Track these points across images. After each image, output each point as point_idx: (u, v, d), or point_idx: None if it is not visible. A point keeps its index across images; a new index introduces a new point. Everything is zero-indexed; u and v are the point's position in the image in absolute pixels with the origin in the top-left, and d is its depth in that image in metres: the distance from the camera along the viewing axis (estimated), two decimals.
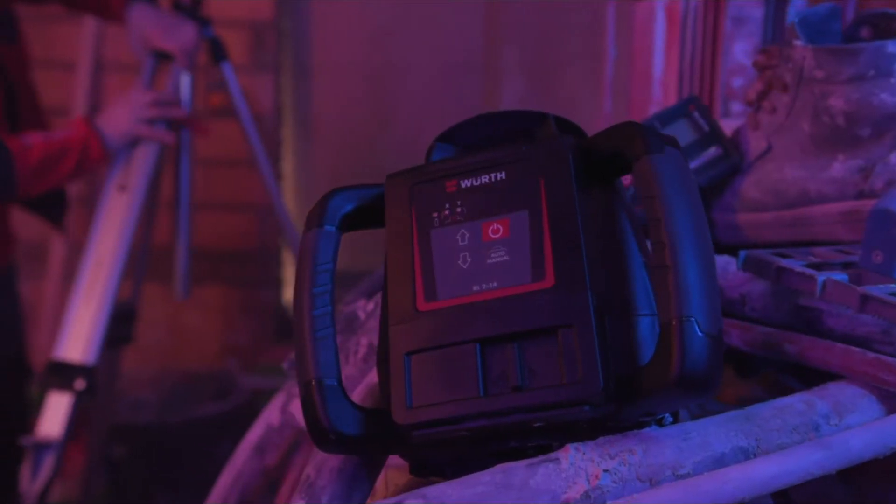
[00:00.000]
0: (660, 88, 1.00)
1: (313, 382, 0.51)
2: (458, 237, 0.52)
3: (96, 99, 2.62)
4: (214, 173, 2.64)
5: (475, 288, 0.50)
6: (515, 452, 0.51)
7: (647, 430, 0.50)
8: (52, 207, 1.69)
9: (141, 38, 1.63)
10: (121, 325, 1.85)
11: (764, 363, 0.81)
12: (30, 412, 1.83)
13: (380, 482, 0.62)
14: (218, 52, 1.72)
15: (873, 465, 0.52)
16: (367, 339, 0.75)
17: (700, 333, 0.45)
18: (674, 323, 0.45)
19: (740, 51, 0.93)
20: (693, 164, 0.72)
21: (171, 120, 1.57)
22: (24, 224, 2.42)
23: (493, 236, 0.51)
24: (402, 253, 0.53)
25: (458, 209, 0.52)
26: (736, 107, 0.95)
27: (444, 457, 0.53)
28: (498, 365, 0.48)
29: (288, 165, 2.79)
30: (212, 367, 2.62)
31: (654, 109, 1.01)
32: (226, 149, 2.56)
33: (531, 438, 0.50)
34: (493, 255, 0.51)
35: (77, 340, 1.49)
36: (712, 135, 0.71)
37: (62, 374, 1.45)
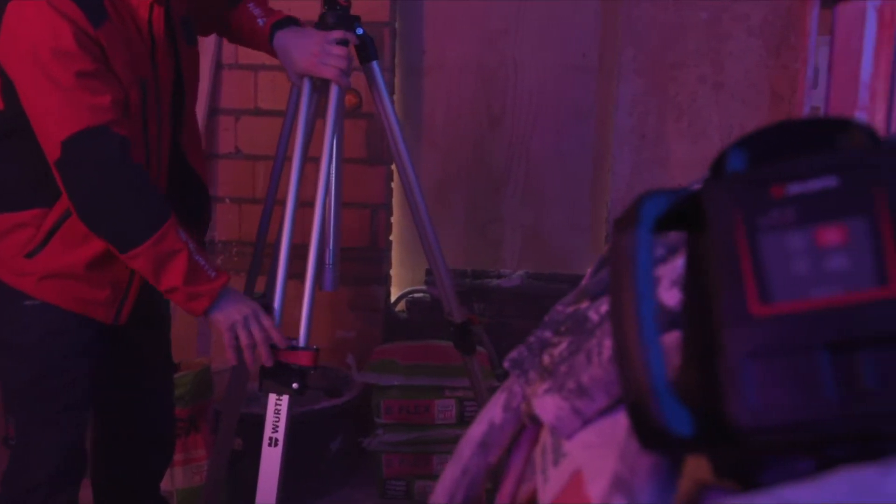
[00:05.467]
0: (867, 93, 0.98)
1: (645, 384, 0.52)
2: (790, 242, 0.52)
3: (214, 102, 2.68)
4: None
5: (815, 293, 0.50)
6: (840, 458, 0.51)
7: None
8: (198, 224, 1.70)
9: (292, 66, 1.65)
10: None
11: None
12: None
13: None
14: (367, 51, 1.75)
15: None
16: (610, 341, 0.75)
17: None
18: None
19: None
20: None
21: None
22: None
23: (830, 242, 0.51)
24: (728, 256, 0.53)
25: (788, 214, 0.52)
26: None
27: (764, 461, 0.54)
28: (848, 370, 0.49)
29: (396, 164, 2.82)
30: (322, 362, 2.66)
31: (860, 114, 1.00)
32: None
33: (872, 444, 0.50)
34: (832, 260, 0.51)
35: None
36: None
37: (281, 376, 1.59)
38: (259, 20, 1.67)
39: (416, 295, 2.82)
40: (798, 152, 0.56)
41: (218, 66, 2.67)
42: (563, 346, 0.81)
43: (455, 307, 1.91)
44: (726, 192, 0.55)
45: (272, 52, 1.67)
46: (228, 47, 2.67)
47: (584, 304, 0.85)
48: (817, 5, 1.05)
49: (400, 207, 2.83)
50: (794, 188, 0.53)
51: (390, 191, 2.77)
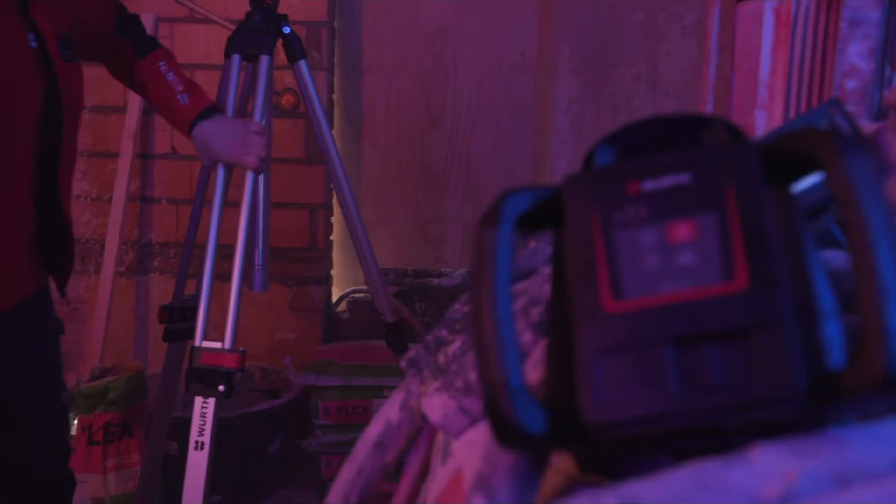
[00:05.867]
0: (766, 91, 1.00)
1: (500, 382, 0.52)
2: (643, 238, 0.52)
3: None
4: None
5: (664, 288, 0.51)
6: (696, 451, 0.51)
7: (835, 430, 0.50)
8: (61, 274, 1.54)
9: (210, 155, 1.62)
10: (185, 321, 1.87)
11: None
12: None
13: None
14: (294, 50, 1.74)
15: None
16: None
17: None
18: (878, 324, 0.46)
19: (855, 53, 0.92)
20: None
21: None
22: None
23: (680, 237, 0.52)
24: (583, 254, 0.53)
25: (642, 211, 0.53)
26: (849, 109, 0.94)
27: (614, 455, 0.54)
28: (692, 365, 0.49)
29: None
30: (261, 363, 2.64)
31: (759, 112, 1.01)
32: (276, 147, 2.57)
33: (721, 438, 0.50)
34: (681, 256, 0.51)
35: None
36: (854, 137, 0.71)
37: (207, 379, 1.58)
38: (179, 97, 1.60)
39: (357, 295, 2.81)
40: (664, 148, 0.57)
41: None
42: (457, 344, 0.81)
43: (387, 307, 1.90)
44: (585, 189, 0.55)
45: (188, 137, 1.62)
46: (163, 44, 2.63)
47: None
48: (718, 5, 1.07)
49: (341, 207, 2.81)
50: (649, 185, 0.53)
51: (330, 190, 2.76)
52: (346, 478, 0.84)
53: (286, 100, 2.64)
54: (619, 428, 0.49)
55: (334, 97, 2.77)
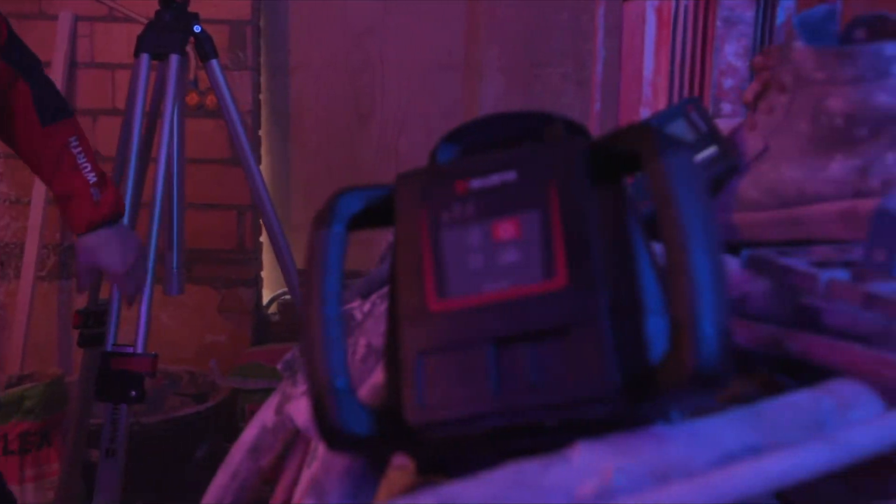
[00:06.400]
0: (650, 89, 1.00)
1: (325, 384, 0.51)
2: (469, 237, 0.52)
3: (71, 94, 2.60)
4: (189, 172, 2.62)
5: (487, 288, 0.50)
6: (525, 450, 0.51)
7: (656, 427, 0.51)
8: None
9: (89, 261, 1.46)
10: (100, 325, 1.83)
11: (755, 361, 0.82)
12: None
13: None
14: (205, 49, 1.71)
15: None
16: (364, 340, 0.75)
17: (713, 330, 0.46)
18: (688, 321, 0.46)
19: (731, 52, 0.93)
20: None
21: None
22: None
23: (503, 236, 0.51)
24: (411, 253, 0.53)
25: (469, 209, 0.53)
26: (727, 107, 0.96)
27: (453, 456, 0.54)
28: (512, 364, 0.49)
29: (265, 164, 2.78)
30: (189, 367, 2.61)
31: (644, 110, 1.02)
32: (202, 148, 2.55)
33: (544, 437, 0.50)
34: (504, 254, 0.51)
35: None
36: (710, 135, 0.71)
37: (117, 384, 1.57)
38: (93, 190, 1.39)
39: (287, 297, 2.78)
40: (504, 146, 0.56)
41: (72, 65, 2.58)
42: None
43: None
44: (415, 188, 0.55)
45: (75, 234, 1.45)
46: (83, 44, 2.59)
47: (356, 303, 0.84)
48: (603, 5, 1.08)
49: (258, 208, 2.79)
50: (476, 183, 0.53)
51: None
52: (220, 482, 0.82)
53: (210, 100, 2.60)
54: (439, 428, 0.49)
55: (261, 97, 2.74)
